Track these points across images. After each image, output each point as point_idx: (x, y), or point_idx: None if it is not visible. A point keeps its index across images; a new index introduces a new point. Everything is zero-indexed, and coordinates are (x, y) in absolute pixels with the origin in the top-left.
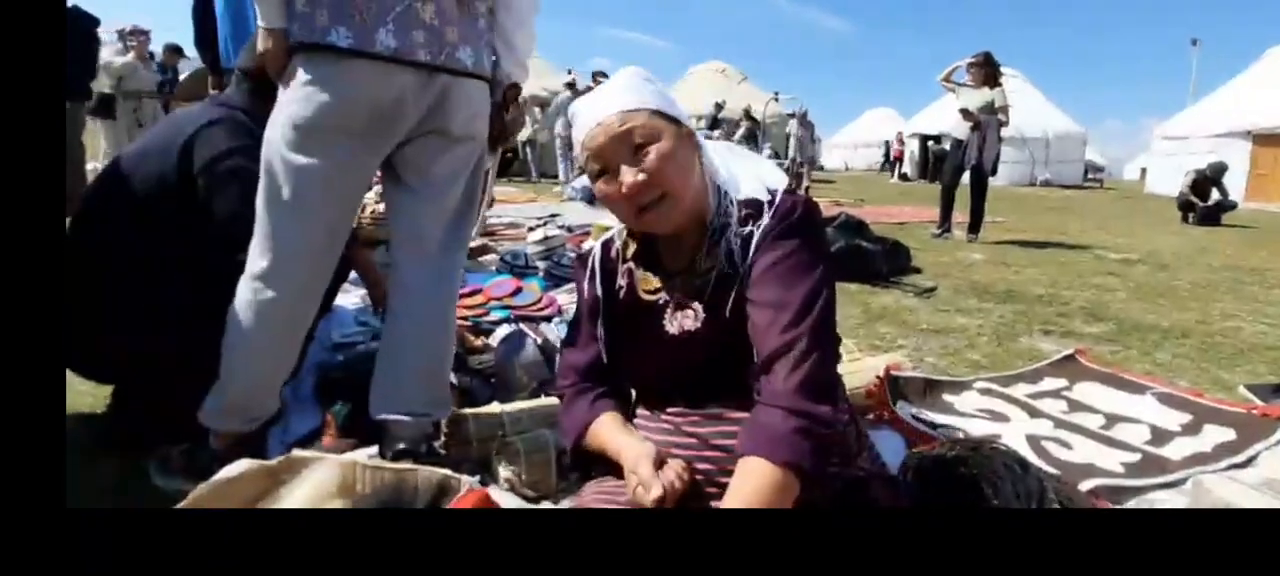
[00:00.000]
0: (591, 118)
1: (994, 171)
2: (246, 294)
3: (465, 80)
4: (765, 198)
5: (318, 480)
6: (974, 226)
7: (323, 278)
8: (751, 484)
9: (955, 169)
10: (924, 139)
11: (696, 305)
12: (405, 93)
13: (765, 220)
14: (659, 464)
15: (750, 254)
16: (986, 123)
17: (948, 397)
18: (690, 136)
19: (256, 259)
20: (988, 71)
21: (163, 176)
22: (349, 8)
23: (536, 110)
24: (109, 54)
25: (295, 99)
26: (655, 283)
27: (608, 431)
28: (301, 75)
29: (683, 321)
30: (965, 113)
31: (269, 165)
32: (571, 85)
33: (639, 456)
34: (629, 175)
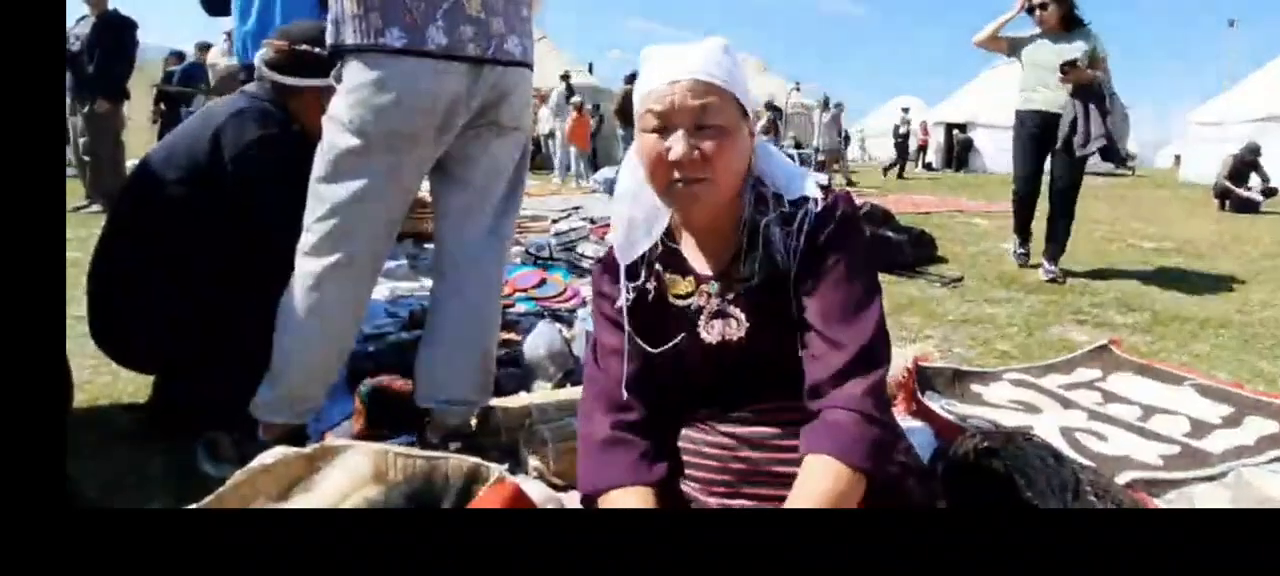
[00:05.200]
0: (666, 74)
1: (1120, 159)
2: (304, 291)
3: (514, 69)
4: (802, 195)
5: (352, 467)
6: (1056, 251)
7: (376, 272)
8: (823, 484)
9: (1036, 157)
10: (949, 127)
11: (738, 312)
12: (460, 89)
13: (809, 220)
14: None
15: (795, 257)
16: (1093, 83)
17: (977, 388)
18: (751, 135)
19: (315, 257)
20: (1068, 9)
21: (194, 164)
22: (400, 8)
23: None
24: (215, 55)
25: (353, 101)
26: (687, 286)
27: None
28: (359, 77)
29: (724, 330)
30: (1069, 68)
31: (329, 166)
32: (566, 77)
33: None
34: (683, 144)
